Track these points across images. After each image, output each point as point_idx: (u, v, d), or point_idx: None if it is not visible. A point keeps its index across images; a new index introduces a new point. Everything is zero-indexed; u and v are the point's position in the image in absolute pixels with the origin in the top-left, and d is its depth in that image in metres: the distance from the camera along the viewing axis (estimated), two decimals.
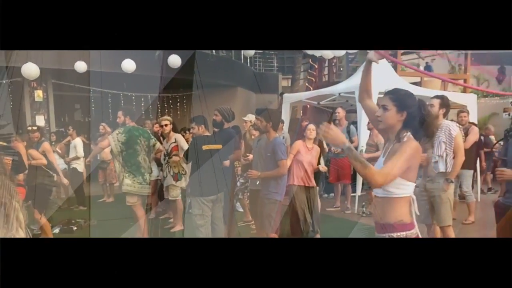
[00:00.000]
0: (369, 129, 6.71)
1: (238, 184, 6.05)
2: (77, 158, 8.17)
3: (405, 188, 2.19)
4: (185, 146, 5.94)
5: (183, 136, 6.65)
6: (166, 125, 6.29)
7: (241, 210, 6.77)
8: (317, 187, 5.33)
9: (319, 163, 5.21)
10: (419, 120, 2.20)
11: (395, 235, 2.19)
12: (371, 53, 2.40)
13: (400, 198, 2.19)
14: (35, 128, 5.59)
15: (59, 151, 8.31)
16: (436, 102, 4.29)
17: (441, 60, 15.33)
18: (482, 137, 8.21)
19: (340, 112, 7.39)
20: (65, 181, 6.00)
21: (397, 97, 2.26)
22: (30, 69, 7.48)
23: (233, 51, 13.29)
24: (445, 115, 4.38)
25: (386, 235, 2.21)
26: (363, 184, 7.03)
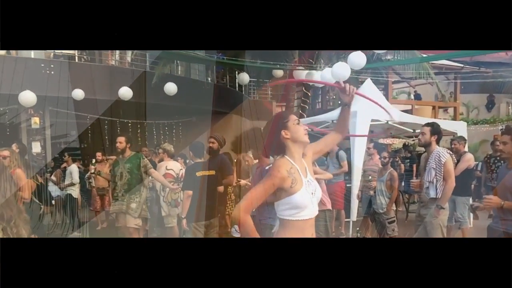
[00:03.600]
0: (370, 154, 6.77)
1: None
2: (72, 184, 8.19)
3: None
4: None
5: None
6: (159, 153, 6.52)
7: (237, 235, 6.79)
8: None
9: None
10: None
11: None
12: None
13: None
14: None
15: (54, 178, 8.35)
16: (427, 129, 4.41)
17: (431, 88, 15.64)
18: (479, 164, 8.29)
19: None
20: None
21: None
22: (27, 97, 7.56)
23: (227, 79, 13.50)
24: (437, 142, 4.49)
25: None
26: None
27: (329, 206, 4.79)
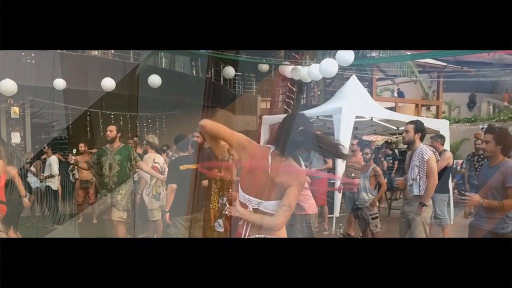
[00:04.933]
0: (353, 151, 6.77)
1: (219, 205, 6.06)
2: (51, 176, 8.04)
3: None
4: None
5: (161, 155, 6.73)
6: (143, 144, 6.44)
7: (221, 229, 6.76)
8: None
9: None
10: None
11: None
12: None
13: None
14: None
15: (33, 169, 8.18)
16: (411, 127, 4.45)
17: (414, 86, 15.84)
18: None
19: None
20: (26, 202, 5.44)
21: None
22: (8, 86, 7.38)
23: (212, 72, 13.40)
24: (422, 139, 4.52)
25: None
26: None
27: (314, 211, 4.79)
